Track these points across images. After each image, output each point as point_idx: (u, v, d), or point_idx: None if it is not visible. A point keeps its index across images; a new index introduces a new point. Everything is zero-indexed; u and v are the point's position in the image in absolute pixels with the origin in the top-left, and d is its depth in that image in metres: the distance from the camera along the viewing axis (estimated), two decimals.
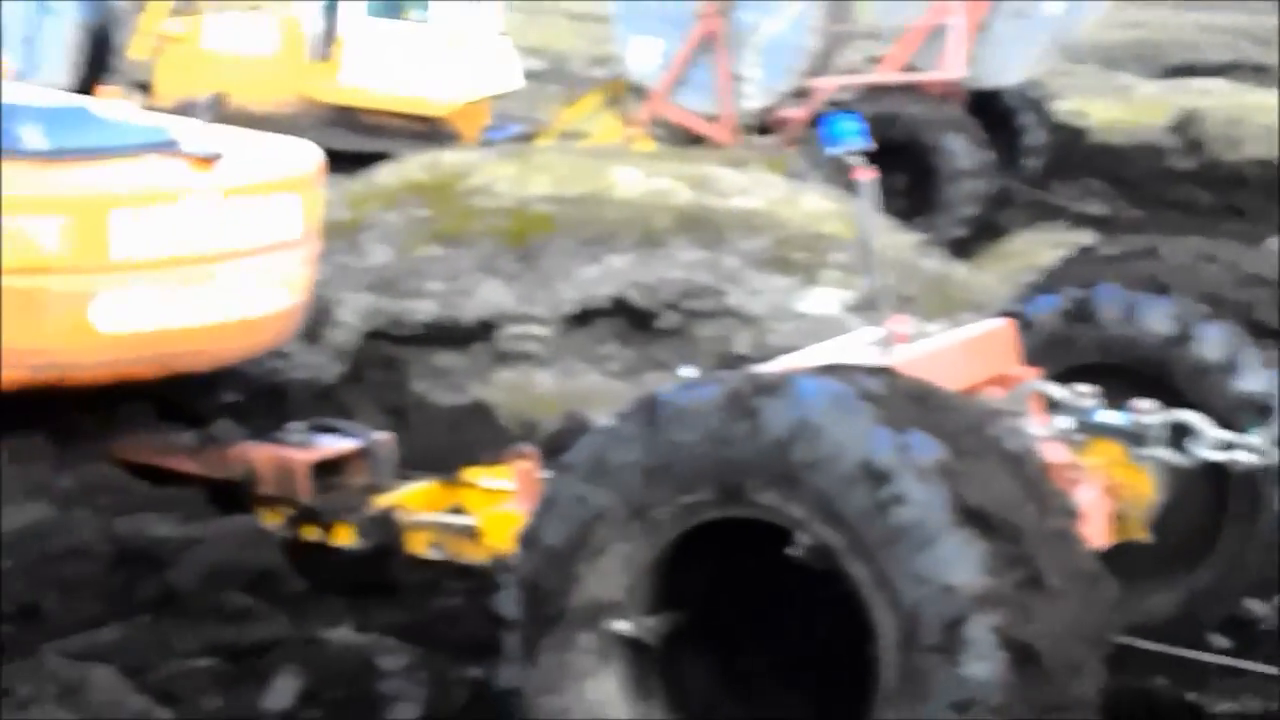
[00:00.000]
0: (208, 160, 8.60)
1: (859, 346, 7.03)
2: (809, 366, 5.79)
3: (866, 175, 6.81)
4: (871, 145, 7.11)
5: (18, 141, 8.21)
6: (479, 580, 7.59)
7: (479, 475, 8.19)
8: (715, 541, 5.78)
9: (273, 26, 19.52)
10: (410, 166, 13.74)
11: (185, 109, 9.29)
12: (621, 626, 5.76)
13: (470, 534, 7.75)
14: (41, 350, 8.10)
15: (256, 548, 7.64)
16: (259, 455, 8.34)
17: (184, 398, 8.81)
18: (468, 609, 7.56)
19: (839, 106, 16.75)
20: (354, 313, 12.02)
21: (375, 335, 11.86)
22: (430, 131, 18.71)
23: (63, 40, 17.72)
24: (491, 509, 7.80)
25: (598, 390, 11.22)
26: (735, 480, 5.54)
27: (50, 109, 8.63)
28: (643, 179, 12.98)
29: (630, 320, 11.89)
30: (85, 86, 16.73)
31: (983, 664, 5.12)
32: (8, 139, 8.21)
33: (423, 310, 12.08)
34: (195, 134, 8.72)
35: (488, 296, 12.13)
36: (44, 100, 8.84)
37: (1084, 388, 7.11)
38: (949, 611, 5.14)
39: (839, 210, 12.76)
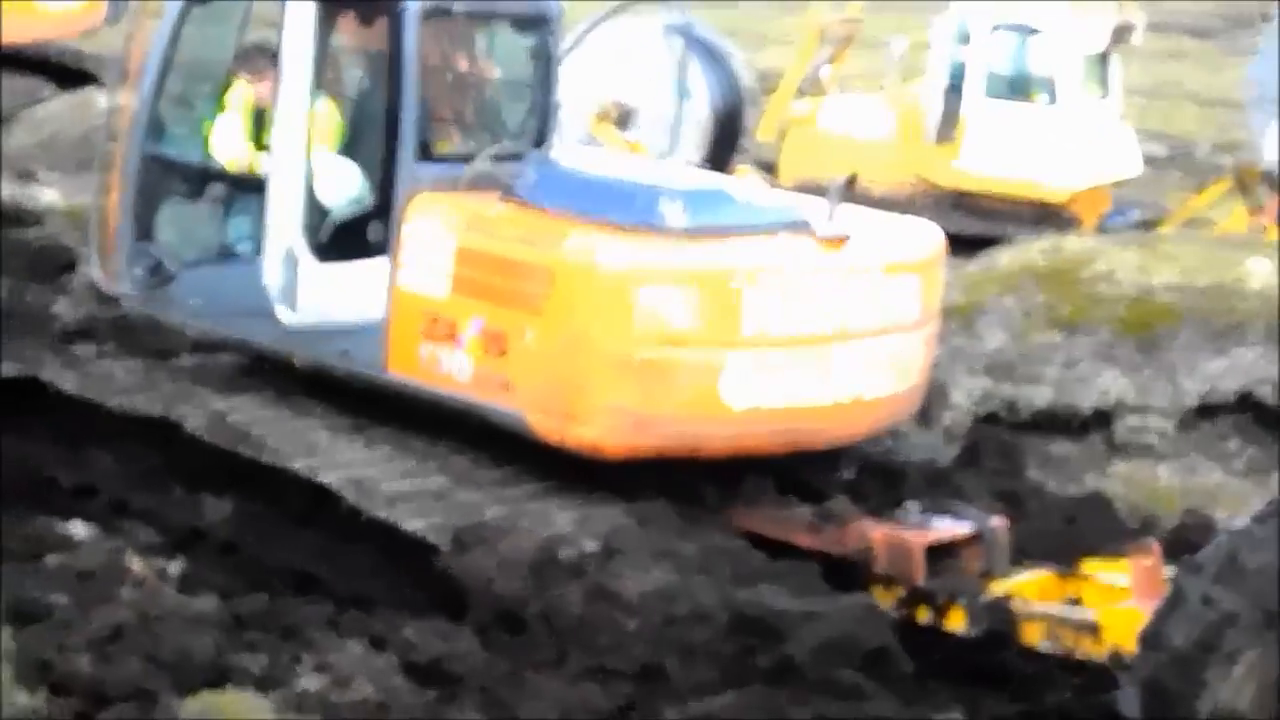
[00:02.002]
0: (837, 241, 8.78)
1: None
2: None
3: None
4: None
5: (660, 218, 8.58)
6: (1094, 676, 7.42)
7: (1097, 568, 8.02)
8: None
9: (893, 109, 19.78)
10: (1030, 251, 13.63)
11: (818, 190, 9.49)
12: None
13: (1088, 629, 7.58)
14: (672, 420, 8.41)
15: (870, 626, 7.69)
16: (875, 534, 8.41)
17: (802, 473, 8.98)
18: (1081, 706, 7.41)
19: None
20: (968, 396, 12.00)
21: (988, 420, 11.80)
22: (1049, 216, 18.52)
23: (697, 122, 18.46)
24: (1110, 604, 7.61)
25: (1222, 488, 10.82)
26: None
27: (691, 188, 8.99)
28: (1276, 271, 12.48)
29: (1258, 417, 11.43)
30: (715, 166, 17.35)
31: None
32: (651, 215, 8.60)
33: (1038, 397, 11.95)
34: (825, 214, 8.92)
35: (1106, 386, 11.89)
36: (685, 179, 9.22)
37: None
38: None
39: None
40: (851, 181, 9.25)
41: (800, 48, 20.41)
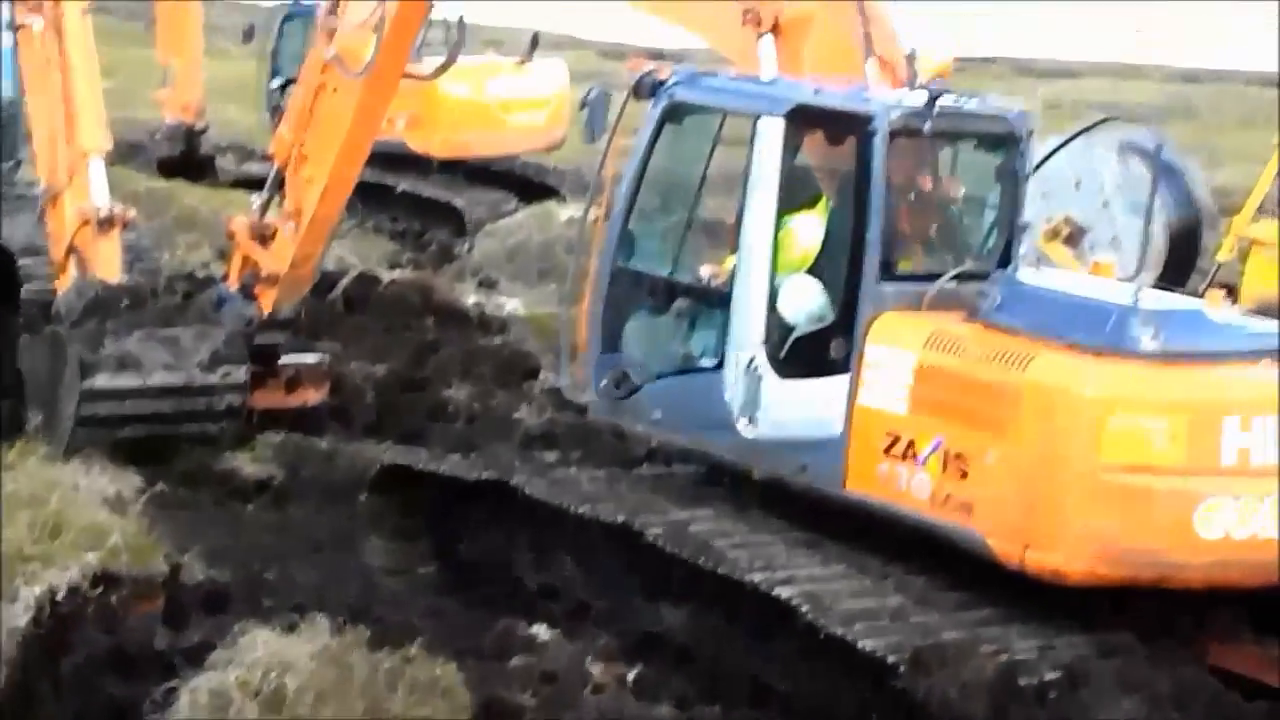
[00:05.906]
0: None
1: None
2: None
3: None
4: None
5: (1134, 342, 8.37)
6: None
7: None
8: None
9: None
10: None
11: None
12: None
13: None
14: (1143, 549, 8.16)
15: None
16: None
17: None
18: None
19: None
20: None
21: None
22: None
23: (1154, 240, 17.98)
24: None
25: None
26: None
27: (1164, 311, 8.74)
28: None
29: None
30: (1170, 286, 16.81)
31: None
32: (1123, 338, 8.39)
33: None
34: None
35: None
36: (1158, 301, 8.97)
37: None
38: None
39: None
40: None
41: (1268, 166, 19.74)
